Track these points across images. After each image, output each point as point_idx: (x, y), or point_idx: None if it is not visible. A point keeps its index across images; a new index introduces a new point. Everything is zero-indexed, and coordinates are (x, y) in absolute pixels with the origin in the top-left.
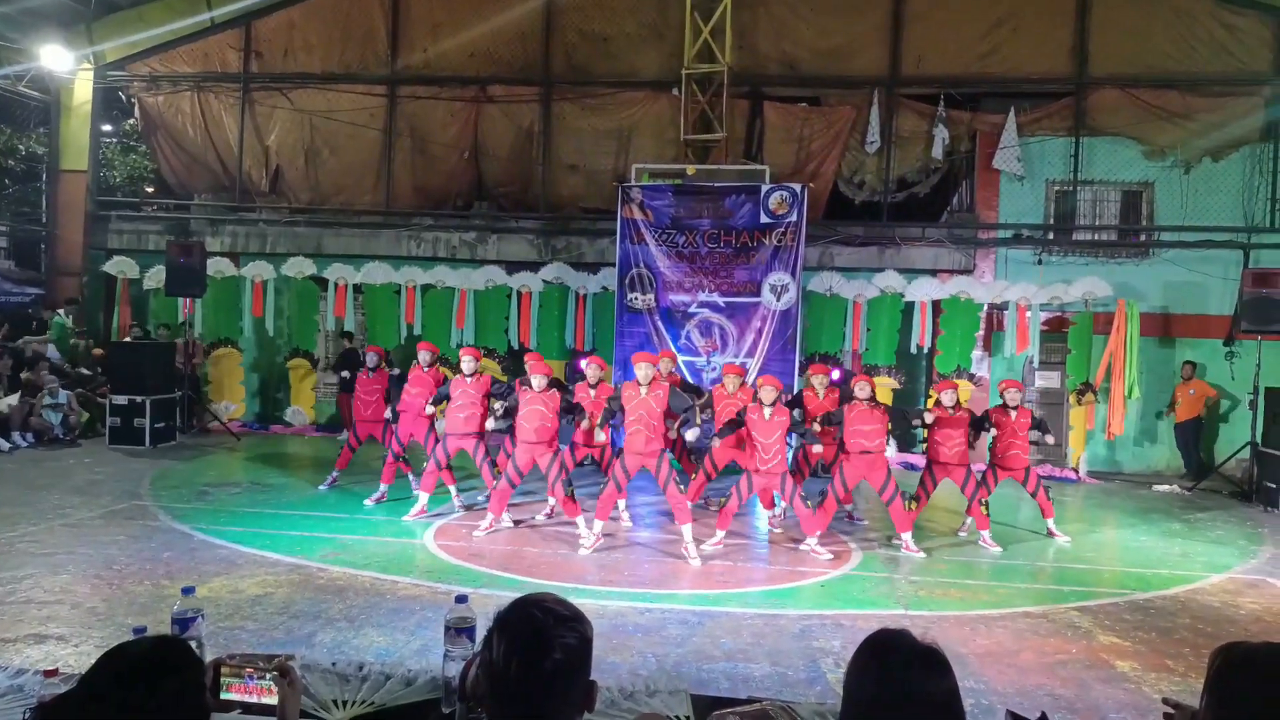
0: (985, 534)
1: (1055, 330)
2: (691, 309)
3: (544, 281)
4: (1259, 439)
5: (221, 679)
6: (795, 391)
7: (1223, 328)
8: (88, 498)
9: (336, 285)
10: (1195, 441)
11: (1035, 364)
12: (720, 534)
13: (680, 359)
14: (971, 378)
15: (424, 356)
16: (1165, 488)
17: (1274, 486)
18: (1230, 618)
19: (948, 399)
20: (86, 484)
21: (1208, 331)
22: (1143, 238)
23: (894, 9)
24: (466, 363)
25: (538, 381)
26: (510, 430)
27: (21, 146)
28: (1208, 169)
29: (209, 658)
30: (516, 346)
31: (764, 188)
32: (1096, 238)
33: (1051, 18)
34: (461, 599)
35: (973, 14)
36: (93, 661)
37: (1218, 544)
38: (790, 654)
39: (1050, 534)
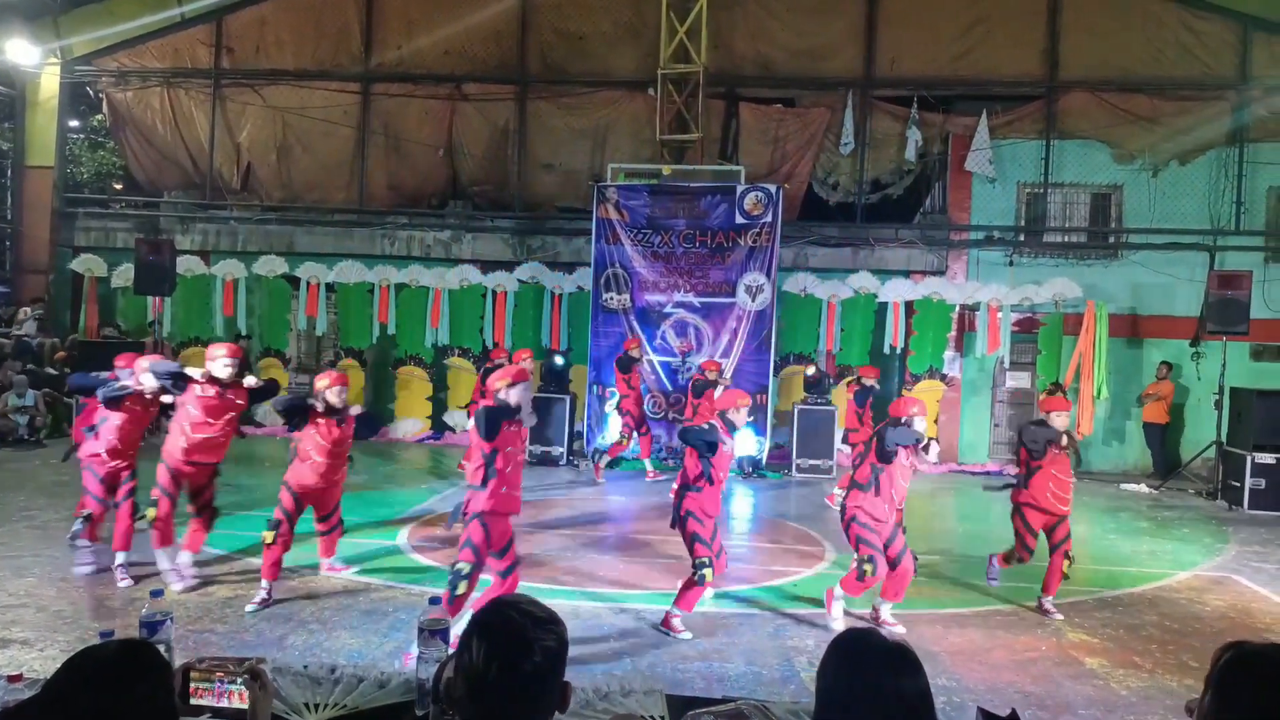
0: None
1: (1026, 331)
2: (667, 309)
3: (519, 281)
4: (1224, 438)
5: (191, 683)
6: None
7: (1189, 329)
8: (54, 499)
9: (309, 284)
10: (1161, 442)
11: (1006, 364)
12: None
13: (655, 358)
14: (944, 378)
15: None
16: (1133, 486)
17: (1238, 485)
18: (1197, 615)
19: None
20: (52, 485)
21: (1175, 332)
22: (1112, 240)
23: (868, 11)
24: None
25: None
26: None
27: None
28: (1175, 172)
29: (178, 662)
30: (492, 346)
31: (739, 188)
32: (1066, 240)
33: (1023, 21)
34: (435, 601)
35: (945, 17)
36: (58, 666)
37: (1184, 542)
38: (764, 653)
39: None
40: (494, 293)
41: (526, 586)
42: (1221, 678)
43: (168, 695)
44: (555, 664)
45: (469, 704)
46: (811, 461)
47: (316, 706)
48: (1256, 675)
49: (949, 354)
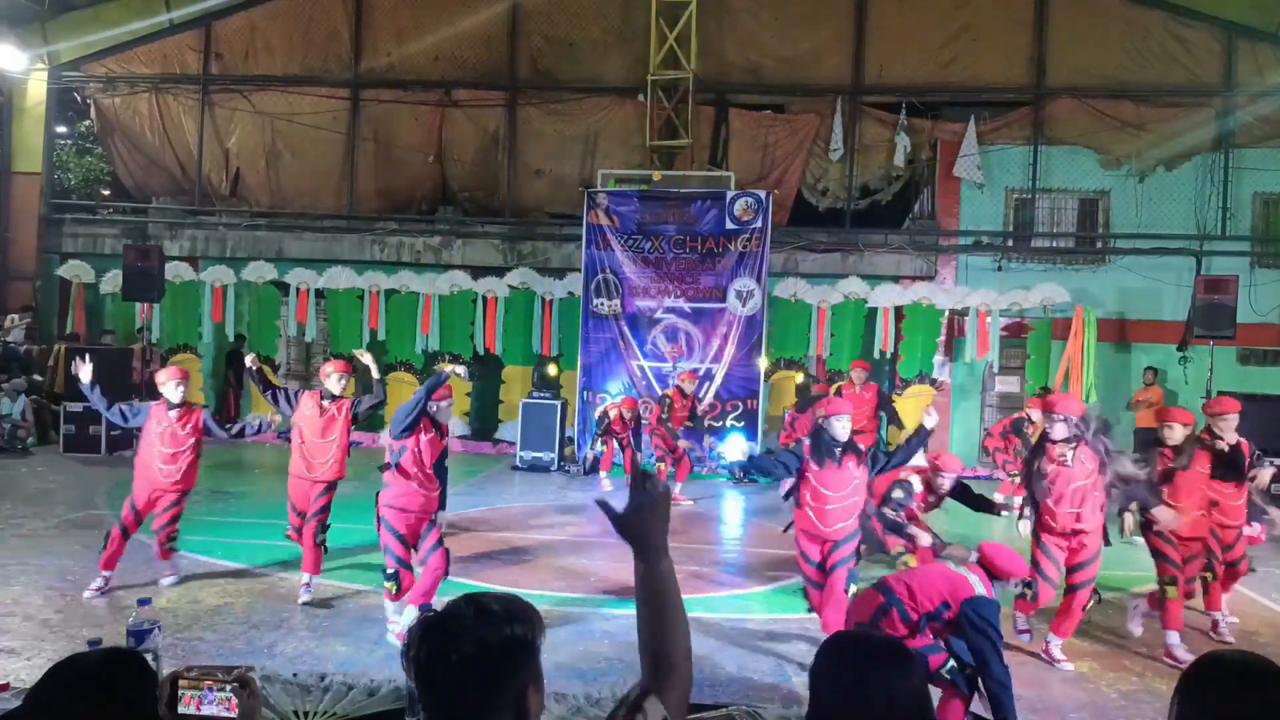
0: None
1: (1014, 336)
2: (657, 314)
3: (510, 287)
4: None
5: (179, 692)
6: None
7: (1176, 333)
8: (40, 507)
9: (298, 290)
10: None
11: (995, 369)
12: None
13: (646, 364)
14: (933, 382)
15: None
16: None
17: None
18: (1187, 619)
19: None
20: (39, 493)
21: (1162, 337)
22: (1099, 245)
23: (856, 19)
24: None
25: None
26: None
27: None
28: (1161, 178)
29: (167, 670)
30: (482, 352)
31: (729, 194)
32: (1055, 245)
33: (1009, 29)
34: (425, 607)
35: (933, 24)
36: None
37: None
38: (756, 658)
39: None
40: (484, 298)
41: (518, 591)
42: (1186, 687)
43: (150, 704)
44: (497, 661)
45: (420, 695)
46: None
47: (306, 714)
48: (1219, 681)
49: (938, 359)
